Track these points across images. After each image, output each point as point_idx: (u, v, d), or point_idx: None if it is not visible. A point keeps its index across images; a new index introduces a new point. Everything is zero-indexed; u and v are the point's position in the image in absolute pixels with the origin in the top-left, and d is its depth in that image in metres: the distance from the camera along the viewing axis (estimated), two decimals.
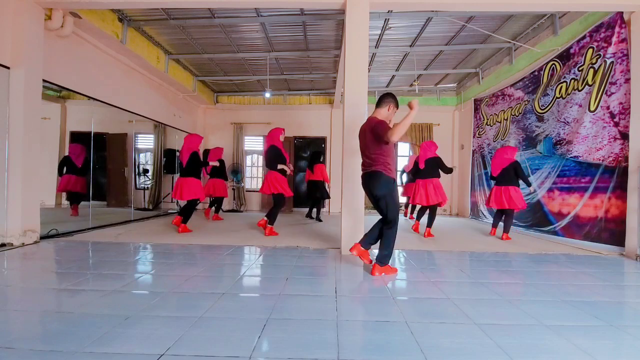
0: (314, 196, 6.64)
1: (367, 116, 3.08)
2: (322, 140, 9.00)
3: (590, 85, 4.29)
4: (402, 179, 7.35)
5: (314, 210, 6.81)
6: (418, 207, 5.82)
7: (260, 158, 9.19)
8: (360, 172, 3.02)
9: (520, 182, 4.66)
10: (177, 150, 7.47)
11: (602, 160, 4.12)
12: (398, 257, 3.54)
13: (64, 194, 4.92)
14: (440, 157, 4.92)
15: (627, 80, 3.82)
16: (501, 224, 4.89)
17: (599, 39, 4.20)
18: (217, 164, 5.45)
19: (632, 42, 3.76)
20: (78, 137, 5.00)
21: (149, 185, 6.90)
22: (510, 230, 4.79)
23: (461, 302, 2.14)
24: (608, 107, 4.06)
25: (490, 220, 6.51)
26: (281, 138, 4.81)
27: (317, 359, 1.42)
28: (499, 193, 4.70)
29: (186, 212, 4.74)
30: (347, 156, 3.64)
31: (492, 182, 4.92)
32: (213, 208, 6.55)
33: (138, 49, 5.41)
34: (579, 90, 4.45)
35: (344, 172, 3.68)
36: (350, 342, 1.57)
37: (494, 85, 6.74)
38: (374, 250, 2.98)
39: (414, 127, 8.61)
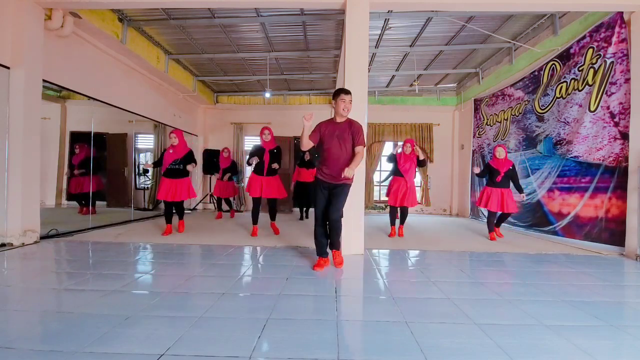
0: (303, 197, 6.80)
1: (366, 116, 3.07)
2: None
3: (590, 85, 4.28)
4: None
5: (304, 210, 6.98)
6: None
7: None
8: (362, 171, 3.02)
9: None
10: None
11: (602, 160, 4.11)
12: (398, 257, 3.54)
13: (64, 194, 4.93)
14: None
15: (627, 80, 3.82)
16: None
17: (599, 39, 4.20)
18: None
19: (632, 42, 3.76)
20: (78, 137, 5.00)
21: (149, 185, 6.90)
22: (510, 231, 4.87)
23: (461, 302, 2.14)
24: (608, 107, 4.05)
25: None
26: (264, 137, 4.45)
27: (317, 359, 1.42)
28: (501, 195, 4.59)
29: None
30: None
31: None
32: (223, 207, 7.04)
33: (138, 49, 5.41)
34: (579, 90, 4.45)
35: None
36: (350, 342, 1.57)
37: (494, 85, 6.73)
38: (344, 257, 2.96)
39: (414, 127, 8.61)
